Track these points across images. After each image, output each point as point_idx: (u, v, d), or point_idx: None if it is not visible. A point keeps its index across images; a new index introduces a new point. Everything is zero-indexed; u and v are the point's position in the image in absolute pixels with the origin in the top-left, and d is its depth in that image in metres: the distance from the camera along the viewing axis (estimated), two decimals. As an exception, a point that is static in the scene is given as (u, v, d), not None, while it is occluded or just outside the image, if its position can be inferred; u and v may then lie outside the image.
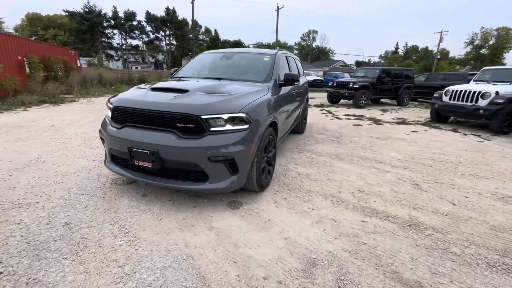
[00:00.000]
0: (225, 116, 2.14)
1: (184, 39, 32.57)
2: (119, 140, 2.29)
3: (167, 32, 33.21)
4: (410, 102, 12.84)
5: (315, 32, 68.93)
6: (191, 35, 39.41)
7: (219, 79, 3.13)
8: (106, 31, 26.41)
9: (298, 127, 5.19)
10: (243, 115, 2.20)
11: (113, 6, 28.05)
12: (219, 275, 1.61)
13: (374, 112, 9.22)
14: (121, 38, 28.25)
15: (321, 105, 10.56)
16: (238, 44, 55.98)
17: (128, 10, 27.89)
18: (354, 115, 8.14)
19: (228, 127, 2.17)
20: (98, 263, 1.67)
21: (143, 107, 2.23)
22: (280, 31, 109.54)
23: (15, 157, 3.49)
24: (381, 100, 12.99)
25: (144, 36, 31.85)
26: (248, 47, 63.89)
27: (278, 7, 29.66)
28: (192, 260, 1.74)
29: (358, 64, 60.19)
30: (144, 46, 32.92)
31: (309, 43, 70.72)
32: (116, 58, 31.73)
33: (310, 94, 16.45)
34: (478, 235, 2.12)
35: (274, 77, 3.19)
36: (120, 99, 2.43)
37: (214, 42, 38.97)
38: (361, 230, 2.14)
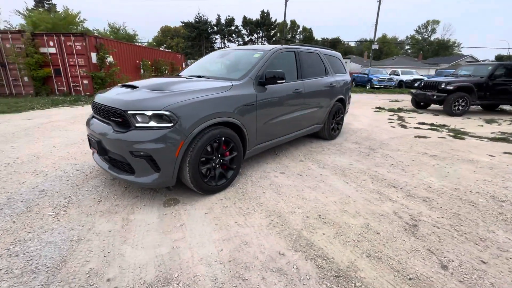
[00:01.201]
0: (149, 113, 2.16)
1: (273, 40, 33.79)
2: (87, 128, 2.69)
3: (260, 34, 35.28)
4: (555, 112, 8.91)
5: (436, 22, 56.89)
6: (288, 36, 40.32)
7: (199, 77, 3.14)
8: (210, 36, 30.71)
9: (323, 133, 4.54)
10: (167, 112, 2.16)
11: (217, 14, 32.36)
12: (77, 263, 1.69)
13: (471, 122, 6.91)
14: (221, 42, 32.17)
15: (397, 110, 8.76)
16: (336, 41, 53.11)
17: (228, 16, 31.49)
18: (431, 125, 6.36)
19: (152, 124, 2.18)
20: (20, 225, 2.06)
21: (99, 101, 2.53)
22: (386, 24, 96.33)
23: (76, 137, 4.63)
24: (501, 107, 9.60)
25: (240, 39, 35.08)
26: (347, 44, 59.55)
27: (381, -3, 26.13)
28: (76, 243, 1.88)
29: (499, 59, 45.93)
30: (240, 48, 36.43)
31: (427, 36, 59.15)
32: (217, 60, 36.52)
33: (400, 96, 13.79)
34: (434, 324, 1.33)
35: (253, 74, 2.93)
36: (97, 93, 2.84)
37: (308, 41, 38.35)
38: (262, 263, 1.73)
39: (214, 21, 31.33)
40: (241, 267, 1.69)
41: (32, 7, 17.38)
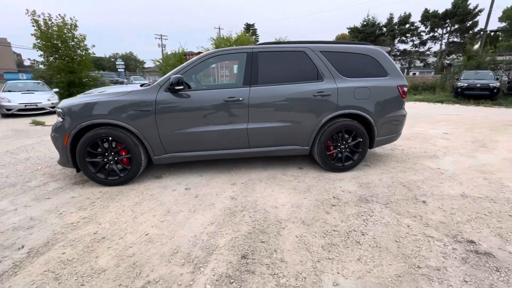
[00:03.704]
0: (59, 110, 2.89)
1: (465, 36, 23.50)
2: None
3: (448, 29, 25.74)
4: None
5: None
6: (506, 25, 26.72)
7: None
8: (378, 39, 26.76)
9: (316, 158, 3.31)
10: (60, 110, 2.80)
11: (390, 14, 27.61)
12: (-15, 197, 2.73)
13: None
14: (390, 43, 26.78)
15: None
16: None
17: (404, 13, 25.59)
18: None
19: (59, 118, 2.89)
20: (14, 170, 3.48)
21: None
22: None
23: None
24: None
25: (415, 38, 27.64)
26: None
27: None
28: (6, 186, 2.96)
29: None
30: (414, 49, 28.58)
31: None
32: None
33: None
34: None
35: (162, 81, 2.91)
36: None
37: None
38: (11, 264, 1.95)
39: (384, 22, 26.97)
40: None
41: (242, 31, 22.27)
